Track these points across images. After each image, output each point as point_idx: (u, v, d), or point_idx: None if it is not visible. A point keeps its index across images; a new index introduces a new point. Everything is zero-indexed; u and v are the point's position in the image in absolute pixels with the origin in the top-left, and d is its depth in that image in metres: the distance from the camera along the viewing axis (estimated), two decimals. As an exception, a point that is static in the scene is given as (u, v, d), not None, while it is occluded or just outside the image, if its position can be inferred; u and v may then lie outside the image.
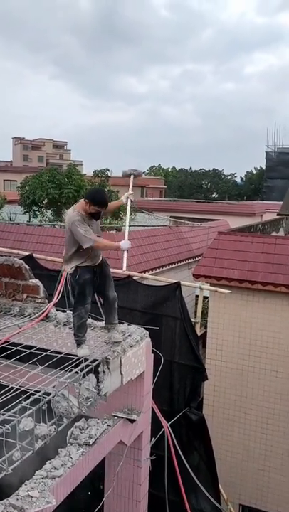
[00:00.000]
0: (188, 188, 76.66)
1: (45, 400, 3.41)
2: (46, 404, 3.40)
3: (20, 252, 8.55)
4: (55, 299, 5.51)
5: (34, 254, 8.03)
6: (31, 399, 3.38)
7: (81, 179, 21.53)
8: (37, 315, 5.33)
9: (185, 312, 6.60)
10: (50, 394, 3.51)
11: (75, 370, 3.89)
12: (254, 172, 79.82)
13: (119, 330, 4.75)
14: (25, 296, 5.72)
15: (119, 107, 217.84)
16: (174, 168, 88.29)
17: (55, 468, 3.53)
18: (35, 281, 5.73)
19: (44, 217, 21.74)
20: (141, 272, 10.38)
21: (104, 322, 4.87)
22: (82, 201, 4.32)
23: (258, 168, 76.81)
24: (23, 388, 3.69)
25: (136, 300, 6.94)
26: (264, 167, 65.98)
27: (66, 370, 3.93)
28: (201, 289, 8.84)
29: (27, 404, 3.29)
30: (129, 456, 4.96)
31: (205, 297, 10.03)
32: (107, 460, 5.00)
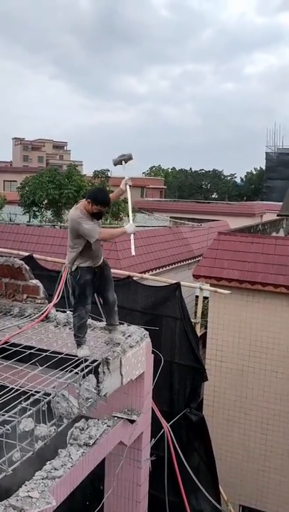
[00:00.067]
0: (188, 189, 76.65)
1: (45, 400, 3.41)
2: (46, 405, 3.40)
3: (21, 253, 8.55)
4: (55, 300, 5.52)
5: (34, 255, 8.03)
6: (31, 399, 3.38)
7: (81, 179, 21.55)
8: (37, 315, 5.33)
9: (185, 312, 6.60)
10: (50, 394, 3.51)
11: (75, 370, 3.89)
12: (254, 172, 79.82)
13: (120, 331, 4.75)
14: (25, 296, 5.72)
15: (119, 107, 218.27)
16: (173, 168, 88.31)
17: (55, 469, 3.52)
18: (35, 281, 5.73)
19: (44, 218, 21.74)
20: (141, 273, 10.38)
21: (105, 324, 4.87)
22: (84, 201, 4.31)
23: (258, 168, 76.84)
24: (23, 389, 3.69)
25: (136, 300, 6.94)
26: (264, 167, 65.99)
27: (66, 371, 3.93)
28: (201, 289, 8.84)
29: (27, 404, 3.29)
30: (129, 457, 4.96)
31: (205, 298, 10.02)
32: (107, 461, 4.99)
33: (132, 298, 6.92)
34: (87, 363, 4.05)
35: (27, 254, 8.06)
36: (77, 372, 3.86)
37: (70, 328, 4.96)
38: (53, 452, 3.70)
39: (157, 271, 13.39)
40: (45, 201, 21.01)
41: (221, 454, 9.58)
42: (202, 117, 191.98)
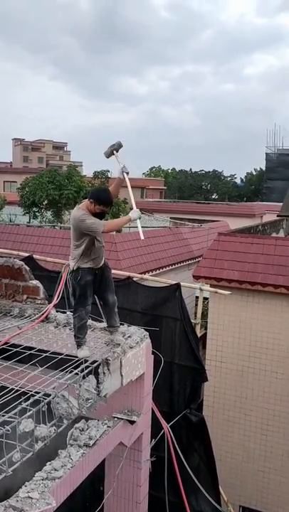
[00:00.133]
0: (188, 189, 76.69)
1: (45, 401, 3.41)
2: (46, 406, 3.40)
3: (21, 253, 8.55)
4: (55, 300, 5.51)
5: (34, 256, 8.02)
6: (31, 400, 3.38)
7: (81, 180, 21.57)
8: (37, 316, 5.33)
9: (185, 313, 6.60)
10: (50, 395, 3.51)
11: (75, 371, 3.89)
12: (254, 173, 79.89)
13: (120, 331, 4.75)
14: (25, 297, 5.72)
15: (119, 108, 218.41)
16: (173, 169, 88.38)
17: (55, 470, 3.52)
18: (35, 282, 5.72)
19: (44, 219, 21.77)
20: (141, 273, 10.38)
21: (106, 325, 4.87)
22: (86, 201, 4.30)
23: (258, 169, 76.89)
24: (23, 389, 3.69)
25: (136, 301, 6.94)
26: (264, 168, 66.04)
27: (66, 372, 3.93)
28: (201, 290, 8.84)
29: (27, 405, 3.29)
30: (129, 458, 4.96)
31: (205, 298, 10.02)
32: (107, 461, 4.99)
33: (132, 299, 6.92)
34: (87, 364, 4.05)
35: (27, 254, 8.06)
36: (77, 373, 3.86)
37: (70, 329, 4.95)
38: (53, 453, 3.70)
39: (157, 271, 13.40)
40: (45, 202, 21.03)
41: (221, 454, 9.58)
42: (202, 118, 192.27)
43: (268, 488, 9.89)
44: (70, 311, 5.13)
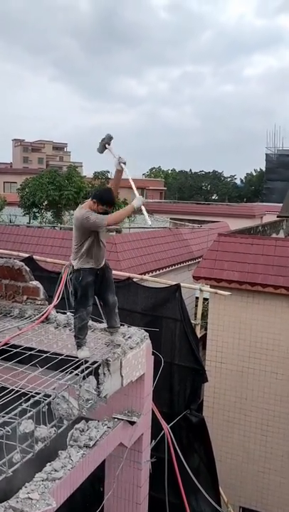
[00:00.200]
0: (188, 190, 76.71)
1: (46, 402, 3.41)
2: (46, 406, 3.40)
3: (21, 254, 8.55)
4: (55, 301, 5.51)
5: (34, 256, 8.02)
6: (31, 401, 3.38)
7: (81, 181, 21.60)
8: (37, 317, 5.33)
9: (185, 314, 6.60)
10: (50, 396, 3.51)
11: (76, 372, 3.89)
12: (254, 174, 79.89)
13: (120, 332, 4.75)
14: (25, 298, 5.71)
15: (119, 109, 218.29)
16: (173, 170, 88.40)
17: (56, 471, 3.52)
18: (36, 283, 5.72)
19: (44, 219, 21.78)
20: (141, 274, 10.38)
21: (106, 326, 4.87)
22: (89, 201, 4.31)
23: (258, 170, 76.89)
24: (23, 390, 3.69)
25: (136, 302, 6.94)
26: (264, 169, 66.02)
27: (66, 372, 3.93)
28: (201, 290, 8.85)
29: (27, 406, 3.29)
30: (130, 459, 4.95)
31: (205, 299, 10.03)
32: (107, 462, 4.99)
33: (132, 299, 6.92)
34: (87, 365, 4.05)
35: (27, 255, 8.06)
36: (77, 374, 3.86)
37: (70, 330, 4.95)
38: (53, 454, 3.70)
39: (157, 272, 13.39)
40: (45, 202, 21.05)
41: (221, 455, 9.58)
42: (202, 119, 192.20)
43: (268, 489, 9.89)
44: (70, 312, 5.13)
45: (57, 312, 5.42)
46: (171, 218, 26.39)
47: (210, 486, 6.64)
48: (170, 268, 14.49)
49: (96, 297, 4.64)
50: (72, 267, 4.35)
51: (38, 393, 3.54)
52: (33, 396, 3.48)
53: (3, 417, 3.20)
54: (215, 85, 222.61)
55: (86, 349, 4.29)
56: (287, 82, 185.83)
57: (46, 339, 4.86)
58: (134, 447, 4.92)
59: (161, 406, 5.81)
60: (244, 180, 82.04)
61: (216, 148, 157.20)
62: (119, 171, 4.65)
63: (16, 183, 38.82)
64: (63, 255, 10.47)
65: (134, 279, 7.56)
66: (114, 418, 4.59)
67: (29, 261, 7.25)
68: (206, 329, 10.90)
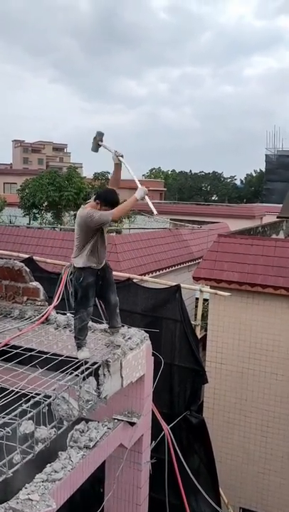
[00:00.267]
0: (188, 191, 76.77)
1: (46, 402, 3.41)
2: (46, 407, 3.40)
3: (21, 255, 8.55)
4: (55, 302, 5.51)
5: (34, 257, 8.03)
6: (31, 402, 3.37)
7: (81, 182, 21.61)
8: (37, 318, 5.33)
9: (185, 315, 6.60)
10: (50, 397, 3.51)
11: (76, 372, 3.89)
12: (254, 175, 79.95)
13: (120, 333, 4.75)
14: (25, 298, 5.72)
15: (118, 110, 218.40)
16: (173, 170, 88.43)
17: (56, 472, 3.52)
18: (36, 283, 5.72)
19: (44, 220, 21.79)
20: (141, 275, 10.38)
21: (107, 326, 4.87)
22: (92, 202, 4.32)
23: (258, 170, 76.94)
24: (23, 391, 3.69)
25: (136, 303, 6.94)
26: (264, 170, 66.07)
27: (66, 373, 3.93)
28: (201, 291, 8.85)
29: (27, 407, 3.29)
30: (130, 460, 4.95)
31: (205, 300, 10.03)
32: (108, 463, 4.99)
33: (132, 300, 6.92)
34: (87, 366, 4.05)
35: (27, 256, 8.06)
36: (77, 375, 3.86)
37: (70, 331, 4.95)
38: (53, 455, 3.70)
39: (157, 273, 13.39)
40: (45, 203, 21.05)
41: (221, 456, 9.57)
42: (201, 120, 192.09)
43: (268, 490, 9.88)
44: (71, 313, 5.13)
45: (57, 313, 5.42)
46: (171, 219, 26.39)
47: (210, 487, 6.63)
48: (170, 269, 14.49)
49: (97, 298, 4.64)
50: (73, 267, 4.35)
51: (38, 394, 3.54)
52: (33, 397, 3.48)
53: (3, 417, 3.20)
54: (214, 86, 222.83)
55: (86, 350, 4.29)
56: (287, 83, 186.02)
57: (46, 340, 4.86)
58: (134, 448, 4.92)
59: (161, 407, 5.80)
60: (244, 181, 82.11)
61: (216, 149, 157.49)
62: (118, 165, 4.64)
63: (16, 183, 38.83)
64: (63, 256, 10.47)
65: (134, 280, 7.56)
66: (115, 419, 4.59)
67: (29, 262, 7.26)
68: (206, 330, 10.90)
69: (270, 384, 9.75)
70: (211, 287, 9.88)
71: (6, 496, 3.25)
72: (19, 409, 3.23)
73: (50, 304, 5.52)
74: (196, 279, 10.37)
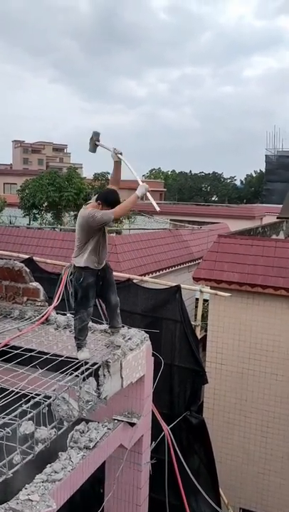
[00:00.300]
0: (188, 191, 76.82)
1: (46, 403, 3.41)
2: (46, 408, 3.40)
3: (21, 255, 8.55)
4: (55, 302, 5.51)
5: (34, 257, 8.03)
6: (31, 402, 3.38)
7: (81, 182, 21.62)
8: (37, 318, 5.33)
9: (185, 315, 6.60)
10: (50, 397, 3.51)
11: (76, 373, 3.89)
12: (254, 175, 79.99)
13: (120, 333, 4.75)
14: (25, 299, 5.72)
15: (118, 110, 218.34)
16: (173, 171, 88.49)
17: (56, 472, 3.52)
18: (36, 284, 5.73)
19: (44, 220, 21.80)
20: (141, 275, 10.39)
21: (108, 326, 4.88)
22: (93, 203, 4.32)
23: (258, 171, 76.97)
24: (23, 391, 3.69)
25: (136, 303, 6.94)
26: (264, 170, 66.07)
27: (66, 374, 3.93)
28: (201, 292, 8.85)
29: (27, 407, 3.29)
30: (130, 460, 4.95)
31: (205, 300, 10.02)
32: (108, 464, 4.98)
33: (132, 301, 6.92)
34: (87, 366, 4.05)
35: (27, 256, 8.06)
36: (77, 375, 3.86)
37: (70, 331, 4.96)
38: (53, 455, 3.70)
39: (157, 273, 13.40)
40: (45, 204, 21.06)
41: (221, 456, 9.56)
42: (201, 120, 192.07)
43: (268, 491, 9.88)
44: (71, 313, 5.13)
45: (57, 313, 5.42)
46: (171, 219, 26.40)
47: (210, 487, 6.64)
48: (170, 269, 14.50)
49: (97, 298, 4.65)
50: (73, 267, 4.35)
51: (38, 394, 3.54)
52: (33, 397, 3.48)
53: (3, 418, 3.20)
54: (214, 86, 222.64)
55: (86, 350, 4.29)
56: (287, 83, 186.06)
57: (46, 340, 4.86)
58: (134, 449, 4.92)
59: (161, 407, 5.81)
60: (244, 182, 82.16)
61: (216, 149, 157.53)
62: (118, 163, 4.62)
63: (16, 184, 38.86)
64: (63, 256, 10.48)
65: (134, 281, 7.56)
66: (115, 419, 4.59)
67: (29, 262, 7.27)
68: (206, 330, 10.90)
69: (270, 384, 9.75)
70: (211, 288, 9.88)
71: (6, 496, 3.25)
72: (19, 410, 3.23)
73: (50, 305, 5.52)
74: (196, 279, 10.37)
